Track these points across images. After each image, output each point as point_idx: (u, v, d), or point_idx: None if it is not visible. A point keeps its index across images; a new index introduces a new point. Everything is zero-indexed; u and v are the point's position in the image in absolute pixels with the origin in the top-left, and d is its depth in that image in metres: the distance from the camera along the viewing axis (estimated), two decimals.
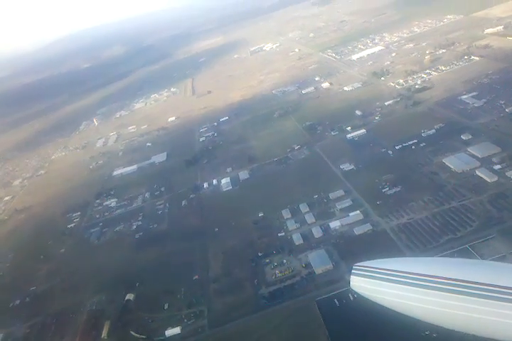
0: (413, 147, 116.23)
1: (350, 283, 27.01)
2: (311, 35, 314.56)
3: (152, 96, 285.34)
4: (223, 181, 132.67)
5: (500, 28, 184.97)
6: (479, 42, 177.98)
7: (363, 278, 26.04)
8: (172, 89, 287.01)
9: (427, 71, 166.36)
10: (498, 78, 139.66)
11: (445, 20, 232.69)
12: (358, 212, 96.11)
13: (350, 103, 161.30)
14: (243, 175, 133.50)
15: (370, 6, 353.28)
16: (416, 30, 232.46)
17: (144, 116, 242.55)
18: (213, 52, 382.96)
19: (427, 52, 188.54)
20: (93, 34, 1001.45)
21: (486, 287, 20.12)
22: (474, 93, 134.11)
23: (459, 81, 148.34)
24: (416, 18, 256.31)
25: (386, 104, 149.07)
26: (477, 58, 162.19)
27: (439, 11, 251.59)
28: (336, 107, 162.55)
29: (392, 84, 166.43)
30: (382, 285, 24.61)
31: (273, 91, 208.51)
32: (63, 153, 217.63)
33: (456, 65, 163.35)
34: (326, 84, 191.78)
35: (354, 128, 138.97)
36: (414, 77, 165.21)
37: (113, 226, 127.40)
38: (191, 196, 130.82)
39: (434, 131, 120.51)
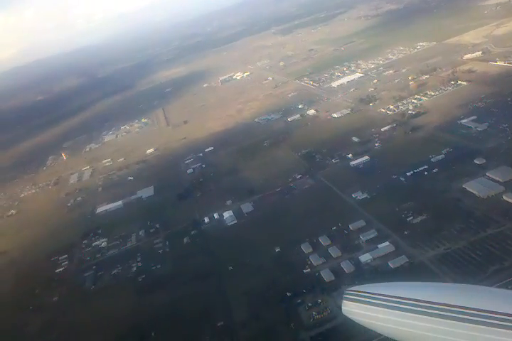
0: (426, 173, 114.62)
1: (342, 308, 25.54)
2: (282, 63, 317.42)
3: (122, 127, 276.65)
4: (226, 215, 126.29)
5: (479, 53, 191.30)
6: (461, 67, 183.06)
7: (355, 303, 24.68)
8: (143, 120, 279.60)
9: (416, 96, 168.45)
10: (493, 102, 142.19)
11: (418, 47, 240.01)
12: (387, 243, 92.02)
13: (344, 130, 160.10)
14: (246, 207, 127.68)
15: (334, 35, 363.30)
16: (391, 57, 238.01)
17: (117, 149, 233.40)
18: (179, 82, 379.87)
19: (410, 78, 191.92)
20: (43, 66, 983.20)
21: (484, 313, 18.97)
22: (473, 117, 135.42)
23: (453, 105, 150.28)
24: (386, 45, 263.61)
25: (382, 130, 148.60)
26: (464, 83, 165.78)
27: (407, 39, 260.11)
28: (330, 134, 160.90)
29: (382, 110, 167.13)
30: (374, 310, 23.45)
31: (256, 120, 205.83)
32: (33, 191, 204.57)
33: (444, 90, 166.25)
34: (311, 112, 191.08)
35: (356, 156, 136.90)
36: (404, 102, 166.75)
37: (109, 269, 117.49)
38: (193, 232, 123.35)
39: (443, 156, 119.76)
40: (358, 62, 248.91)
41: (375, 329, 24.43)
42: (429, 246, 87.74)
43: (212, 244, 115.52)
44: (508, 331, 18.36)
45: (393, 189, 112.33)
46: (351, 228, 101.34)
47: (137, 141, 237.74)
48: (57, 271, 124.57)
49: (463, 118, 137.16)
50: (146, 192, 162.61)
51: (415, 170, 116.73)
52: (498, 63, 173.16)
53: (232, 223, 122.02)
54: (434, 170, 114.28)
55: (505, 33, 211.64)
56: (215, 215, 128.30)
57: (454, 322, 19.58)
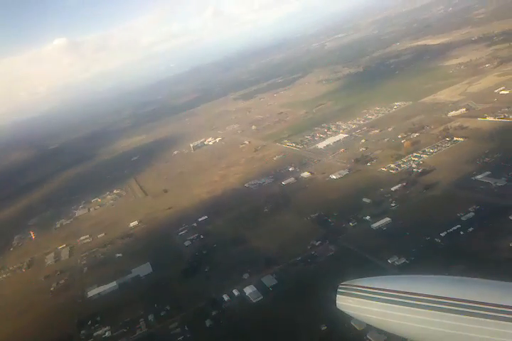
0: (461, 232, 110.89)
1: (337, 302, 25.75)
2: (254, 127, 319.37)
3: (93, 200, 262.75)
4: (248, 290, 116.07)
5: (463, 110, 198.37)
6: (450, 124, 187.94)
7: (349, 297, 25.15)
8: (115, 191, 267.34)
9: (415, 154, 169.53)
10: (500, 156, 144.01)
11: (395, 106, 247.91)
12: None
13: (349, 191, 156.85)
14: (269, 280, 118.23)
15: (299, 99, 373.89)
16: (370, 117, 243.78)
17: (93, 223, 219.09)
18: (145, 151, 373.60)
19: (399, 136, 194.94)
20: None
21: (477, 305, 19.49)
22: (487, 172, 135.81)
23: (459, 162, 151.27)
24: (360, 106, 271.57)
25: (393, 189, 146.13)
26: (461, 139, 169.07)
27: (380, 99, 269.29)
28: (335, 196, 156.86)
29: (383, 169, 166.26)
30: (369, 304, 23.79)
31: (246, 185, 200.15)
32: (3, 275, 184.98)
33: (442, 146, 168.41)
34: (306, 174, 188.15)
35: (374, 217, 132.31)
36: (404, 160, 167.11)
37: None
38: (214, 313, 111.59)
39: (472, 213, 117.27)
40: (337, 123, 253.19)
41: (369, 322, 24.69)
42: None
43: (241, 326, 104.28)
44: (502, 322, 18.19)
45: (432, 251, 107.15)
46: None
47: (115, 214, 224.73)
48: None
49: (476, 174, 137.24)
50: (143, 269, 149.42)
51: (449, 230, 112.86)
52: (488, 119, 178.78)
53: (258, 299, 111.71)
54: (470, 229, 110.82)
55: (480, 90, 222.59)
56: (235, 292, 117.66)
57: (448, 314, 19.64)
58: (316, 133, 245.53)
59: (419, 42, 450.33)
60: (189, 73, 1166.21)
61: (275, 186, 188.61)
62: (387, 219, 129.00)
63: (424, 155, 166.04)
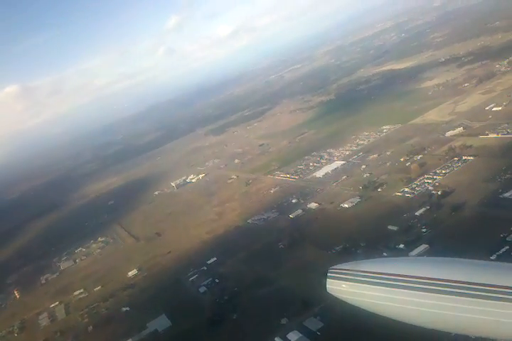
0: None
1: (327, 286, 24.23)
2: (237, 161, 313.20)
3: (77, 250, 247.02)
4: (293, 337, 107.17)
5: (461, 129, 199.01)
6: (452, 143, 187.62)
7: (339, 281, 23.60)
8: (100, 239, 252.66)
9: (427, 176, 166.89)
10: None
11: (384, 130, 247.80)
12: None
13: (368, 219, 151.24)
14: (313, 323, 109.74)
15: (276, 129, 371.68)
16: (361, 142, 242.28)
17: (85, 276, 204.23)
18: (120, 193, 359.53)
19: (402, 159, 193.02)
20: None
21: (471, 286, 19.27)
22: None
23: (477, 180, 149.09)
24: (346, 133, 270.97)
25: (417, 214, 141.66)
26: (471, 158, 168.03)
27: (366, 124, 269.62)
28: (355, 226, 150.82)
29: (398, 194, 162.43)
30: (359, 287, 22.60)
31: (248, 221, 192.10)
32: None
33: (453, 166, 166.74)
34: (313, 205, 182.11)
35: (409, 245, 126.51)
36: (418, 183, 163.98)
37: None
38: None
39: None
40: (328, 150, 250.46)
41: (360, 305, 23.80)
42: None
43: None
44: (492, 302, 18.51)
45: None
46: None
47: (107, 264, 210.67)
48: None
49: (503, 192, 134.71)
50: (160, 323, 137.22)
51: (498, 253, 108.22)
52: (491, 136, 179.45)
53: None
54: None
55: (469, 108, 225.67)
56: (278, 340, 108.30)
57: (440, 295, 19.79)
58: (309, 163, 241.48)
59: (384, 68, 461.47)
60: (145, 112, 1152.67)
61: (282, 220, 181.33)
62: (425, 245, 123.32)
63: (438, 177, 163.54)
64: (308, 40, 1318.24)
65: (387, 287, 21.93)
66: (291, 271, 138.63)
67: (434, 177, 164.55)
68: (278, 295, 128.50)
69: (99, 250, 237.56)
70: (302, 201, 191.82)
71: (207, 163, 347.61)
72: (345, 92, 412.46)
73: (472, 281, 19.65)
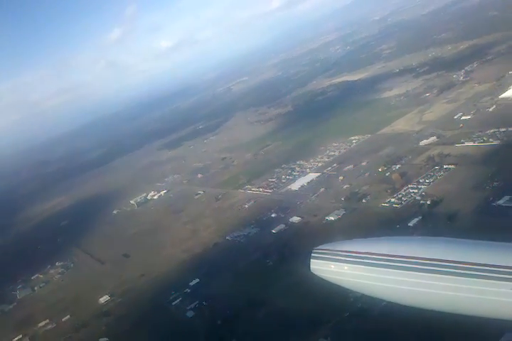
0: None
1: (311, 266, 26.00)
2: (200, 175, 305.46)
3: (33, 277, 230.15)
4: None
5: (434, 138, 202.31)
6: (429, 153, 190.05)
7: (324, 261, 25.34)
8: (58, 264, 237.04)
9: (411, 186, 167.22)
10: (508, 178, 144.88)
11: (354, 141, 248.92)
12: None
13: (358, 231, 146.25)
14: None
15: (237, 142, 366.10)
16: (332, 153, 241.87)
17: (48, 305, 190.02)
18: (73, 213, 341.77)
19: (380, 170, 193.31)
20: None
21: (450, 264, 20.18)
22: (507, 197, 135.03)
23: (465, 189, 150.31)
24: (313, 144, 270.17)
25: (411, 224, 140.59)
26: (452, 166, 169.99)
27: (333, 135, 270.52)
28: (346, 238, 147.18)
29: (385, 204, 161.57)
30: (343, 266, 24.24)
31: (227, 238, 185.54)
32: None
33: (437, 175, 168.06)
34: (295, 218, 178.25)
35: None
36: (403, 193, 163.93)
37: None
38: None
39: None
40: (298, 162, 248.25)
41: (343, 285, 24.97)
42: None
43: None
44: (476, 280, 19.07)
45: None
46: None
47: (71, 290, 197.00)
48: None
49: (495, 200, 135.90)
50: None
51: None
52: (467, 144, 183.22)
53: None
54: None
55: (437, 118, 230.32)
56: None
57: (422, 273, 20.42)
58: (281, 175, 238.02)
59: (338, 79, 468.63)
60: (86, 127, 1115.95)
61: (265, 235, 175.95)
62: None
63: (423, 186, 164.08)
64: (252, 53, 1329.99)
65: (370, 266, 22.63)
66: (286, 289, 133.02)
67: (419, 186, 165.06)
68: (277, 316, 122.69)
69: (58, 276, 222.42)
70: (282, 215, 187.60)
71: (166, 179, 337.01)
72: (303, 104, 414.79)
73: (454, 259, 20.17)
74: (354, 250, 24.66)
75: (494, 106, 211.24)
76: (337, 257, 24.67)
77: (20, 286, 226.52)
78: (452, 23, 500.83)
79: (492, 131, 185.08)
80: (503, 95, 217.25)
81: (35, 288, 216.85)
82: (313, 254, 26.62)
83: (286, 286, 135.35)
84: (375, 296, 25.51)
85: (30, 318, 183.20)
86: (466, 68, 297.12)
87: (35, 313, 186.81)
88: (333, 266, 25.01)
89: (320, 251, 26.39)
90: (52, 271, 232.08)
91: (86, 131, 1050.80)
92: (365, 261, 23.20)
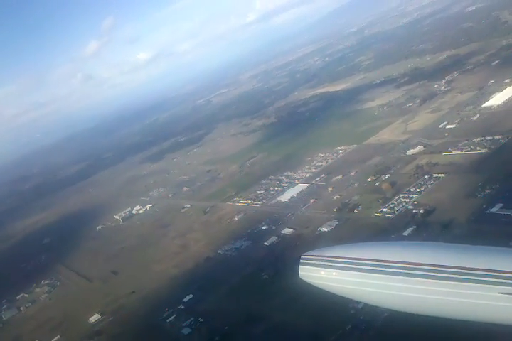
0: None
1: (299, 273, 25.59)
2: (185, 189, 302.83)
3: (18, 297, 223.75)
4: None
5: (421, 147, 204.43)
6: (417, 162, 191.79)
7: (313, 267, 25.01)
8: (44, 282, 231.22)
9: (402, 195, 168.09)
10: (499, 187, 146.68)
11: (340, 151, 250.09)
12: None
13: (354, 242, 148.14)
14: None
15: (221, 155, 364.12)
16: (320, 164, 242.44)
17: (36, 325, 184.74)
18: (55, 230, 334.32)
19: (369, 179, 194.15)
20: None
21: (439, 268, 20.27)
22: (500, 204, 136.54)
23: (457, 197, 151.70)
24: (300, 155, 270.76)
25: (406, 234, 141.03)
26: (442, 175, 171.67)
27: (319, 146, 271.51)
28: None
29: (377, 214, 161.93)
30: (333, 272, 24.14)
31: (220, 252, 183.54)
32: None
33: (427, 184, 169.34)
34: (288, 230, 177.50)
35: None
36: (395, 203, 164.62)
37: None
38: None
39: None
40: (286, 173, 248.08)
41: (333, 291, 24.74)
42: None
43: None
44: (465, 284, 19.21)
45: None
46: None
47: (59, 310, 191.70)
48: None
49: (488, 208, 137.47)
50: None
51: None
52: (455, 153, 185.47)
53: None
54: None
55: (421, 127, 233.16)
56: None
57: (410, 278, 20.55)
58: (269, 187, 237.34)
59: (319, 90, 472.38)
60: (63, 142, 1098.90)
61: (258, 248, 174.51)
62: None
63: (414, 195, 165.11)
64: (230, 65, 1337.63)
65: (360, 271, 22.56)
66: (284, 304, 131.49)
67: (411, 195, 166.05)
68: (277, 332, 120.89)
69: (45, 295, 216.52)
70: (274, 227, 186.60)
71: (151, 193, 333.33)
72: (287, 115, 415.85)
73: (443, 264, 20.23)
74: (343, 255, 24.56)
75: (478, 115, 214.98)
76: (326, 263, 24.47)
77: (5, 307, 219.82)
78: (429, 34, 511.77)
79: (478, 139, 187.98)
80: (486, 104, 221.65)
81: (21, 308, 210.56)
82: (301, 260, 25.93)
83: (283, 300, 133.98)
84: (364, 302, 25.74)
85: (18, 340, 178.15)
86: (447, 78, 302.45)
87: (22, 334, 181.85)
88: (322, 272, 24.73)
89: (309, 257, 25.87)
90: (37, 290, 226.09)
91: (64, 145, 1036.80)
92: (354, 266, 23.29)
